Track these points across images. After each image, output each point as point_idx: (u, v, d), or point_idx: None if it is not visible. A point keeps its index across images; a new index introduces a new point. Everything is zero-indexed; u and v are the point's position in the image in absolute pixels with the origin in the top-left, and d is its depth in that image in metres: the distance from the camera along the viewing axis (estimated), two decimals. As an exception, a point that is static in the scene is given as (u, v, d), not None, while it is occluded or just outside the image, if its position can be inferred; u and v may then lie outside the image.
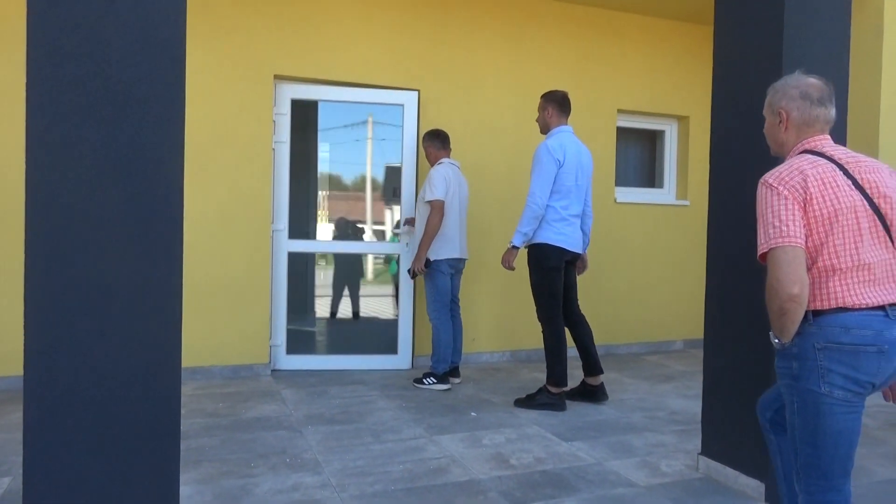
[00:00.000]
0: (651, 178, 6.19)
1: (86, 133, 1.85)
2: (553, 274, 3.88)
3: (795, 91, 2.00)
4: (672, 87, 5.87)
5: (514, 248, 3.88)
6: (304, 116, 5.29)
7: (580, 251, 4.01)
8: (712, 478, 2.86)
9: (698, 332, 6.02)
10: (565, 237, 3.87)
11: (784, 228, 1.81)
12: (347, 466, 2.91)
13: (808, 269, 1.86)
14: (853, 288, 1.83)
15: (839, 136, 2.71)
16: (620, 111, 5.75)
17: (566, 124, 4.01)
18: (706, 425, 2.92)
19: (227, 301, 4.54)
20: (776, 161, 2.58)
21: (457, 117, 5.10)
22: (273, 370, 4.74)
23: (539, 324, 4.31)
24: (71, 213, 1.83)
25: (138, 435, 1.89)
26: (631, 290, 5.76)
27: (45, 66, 1.80)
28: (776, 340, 1.90)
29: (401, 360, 4.87)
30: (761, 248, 1.85)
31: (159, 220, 1.92)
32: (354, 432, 3.39)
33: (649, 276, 5.83)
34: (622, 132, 5.92)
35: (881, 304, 1.82)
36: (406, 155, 4.88)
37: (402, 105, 4.84)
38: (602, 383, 4.07)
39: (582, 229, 4.10)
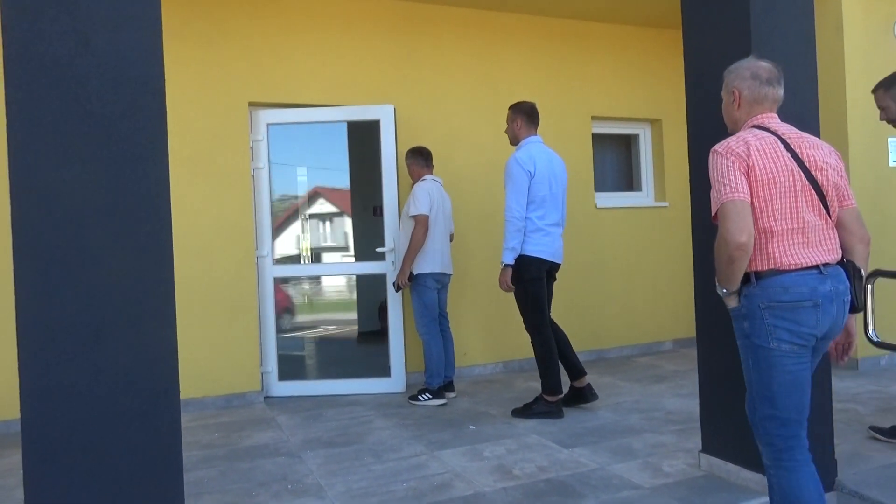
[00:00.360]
0: (629, 181, 6.27)
1: (68, 172, 1.83)
2: (535, 284, 3.90)
3: (747, 72, 2.22)
4: (643, 91, 5.96)
5: (508, 266, 3.87)
6: (282, 141, 5.29)
7: (559, 261, 4.03)
8: (715, 474, 2.88)
9: (687, 331, 6.08)
10: (543, 248, 3.89)
11: (732, 186, 2.04)
12: (351, 488, 2.89)
13: (756, 232, 2.05)
14: (789, 249, 2.04)
15: (812, 129, 2.77)
16: (594, 118, 5.82)
17: (535, 135, 4.04)
18: (705, 423, 2.94)
19: (215, 331, 4.50)
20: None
21: (431, 132, 5.14)
22: (266, 397, 4.70)
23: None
24: (58, 253, 1.81)
25: (140, 474, 1.87)
26: (617, 294, 5.80)
27: (24, 107, 1.79)
28: (723, 291, 2.12)
29: (394, 383, 4.81)
30: (714, 208, 2.06)
31: (147, 256, 1.90)
32: (354, 454, 3.37)
33: (635, 279, 5.88)
34: (598, 138, 6.00)
35: (815, 263, 2.03)
36: (386, 170, 4.84)
37: (379, 120, 4.76)
38: (589, 384, 4.08)
39: None
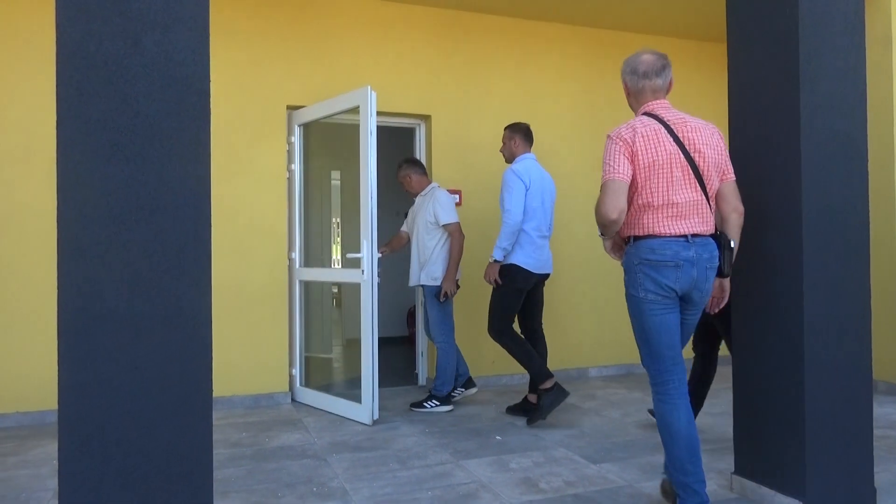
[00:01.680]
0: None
1: (113, 169, 1.86)
2: (515, 295, 4.05)
3: (628, 67, 2.61)
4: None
5: (496, 261, 4.01)
6: (316, 142, 5.34)
7: (549, 271, 4.17)
8: (748, 497, 2.81)
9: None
10: (535, 261, 4.04)
11: (614, 167, 2.44)
12: (376, 494, 2.88)
13: (631, 204, 2.50)
14: (661, 221, 2.46)
15: (860, 146, 2.69)
16: (631, 129, 5.75)
17: (530, 152, 4.22)
18: (739, 443, 2.87)
19: (245, 331, 4.55)
20: (795, 171, 2.59)
21: (467, 139, 5.13)
22: (293, 400, 4.72)
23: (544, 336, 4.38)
24: (101, 248, 1.84)
25: (171, 469, 1.88)
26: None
27: (75, 103, 1.83)
28: (601, 235, 2.56)
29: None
30: (604, 179, 2.47)
31: (187, 254, 1.92)
32: (380, 459, 3.36)
33: (667, 293, 5.78)
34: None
35: (683, 233, 2.45)
36: (365, 160, 4.54)
37: (358, 105, 4.16)
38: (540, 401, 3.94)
39: None
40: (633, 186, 2.48)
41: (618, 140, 2.46)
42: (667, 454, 2.50)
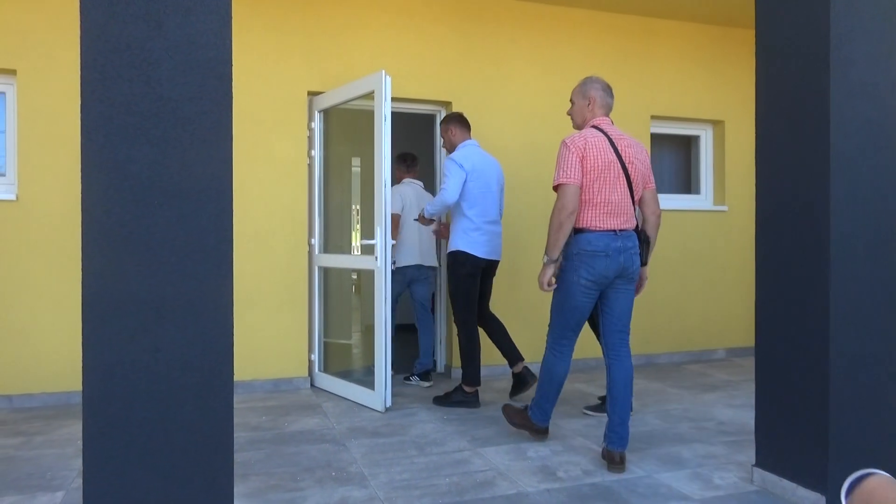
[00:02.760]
0: (687, 184, 6.10)
1: (137, 153, 1.87)
2: (468, 281, 4.08)
3: (599, 84, 3.22)
4: (706, 91, 5.79)
5: (429, 218, 4.26)
6: (337, 129, 5.33)
7: (496, 258, 4.19)
8: (768, 490, 2.78)
9: (740, 339, 5.90)
10: (479, 245, 4.07)
11: (569, 172, 3.01)
12: (394, 479, 2.89)
13: (580, 202, 3.03)
14: (597, 217, 3.03)
15: (889, 133, 2.63)
16: (654, 117, 5.68)
17: (470, 139, 4.24)
18: (760, 436, 2.84)
19: (266, 316, 4.58)
20: (824, 160, 2.53)
21: (489, 126, 5.10)
22: (312, 385, 4.76)
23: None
24: (124, 231, 1.85)
25: (193, 450, 1.90)
26: (670, 299, 5.66)
27: (98, 87, 1.84)
28: (546, 259, 3.06)
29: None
30: (555, 182, 3.04)
31: (210, 238, 1.93)
32: (398, 445, 3.37)
33: (688, 284, 5.73)
34: (656, 138, 5.86)
35: (613, 228, 3.03)
36: (379, 144, 4.27)
37: (373, 91, 4.14)
38: (525, 367, 4.24)
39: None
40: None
41: (573, 147, 3.03)
42: (540, 390, 3.26)
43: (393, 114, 4.79)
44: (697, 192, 6.01)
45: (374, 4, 4.83)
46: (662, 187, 5.95)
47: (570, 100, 3.30)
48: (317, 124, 4.73)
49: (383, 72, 3.98)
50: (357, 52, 4.79)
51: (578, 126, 3.29)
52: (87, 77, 1.83)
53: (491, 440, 3.46)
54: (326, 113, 4.80)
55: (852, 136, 2.57)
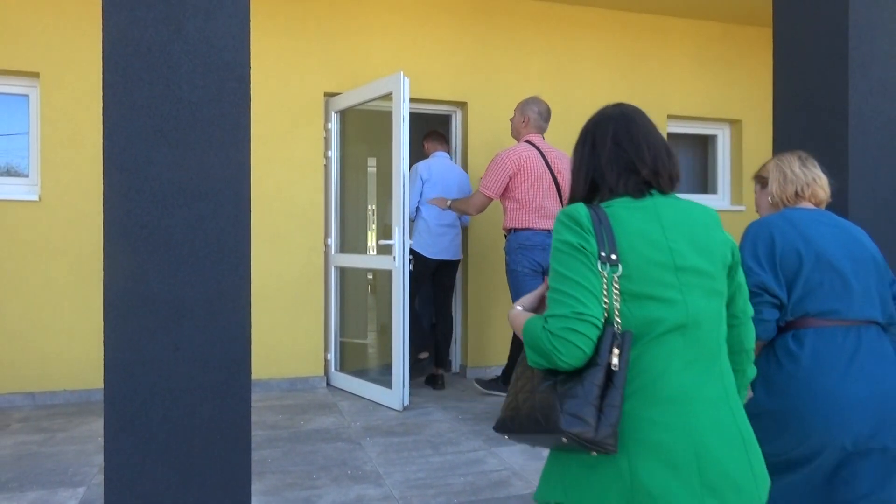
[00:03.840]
0: (704, 183, 6.07)
1: (157, 154, 1.90)
2: (418, 277, 4.46)
3: (536, 107, 3.93)
4: (723, 90, 5.75)
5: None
6: (353, 131, 5.36)
7: (450, 257, 4.52)
8: (785, 492, 2.76)
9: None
10: (430, 246, 4.46)
11: (493, 185, 3.84)
12: (409, 478, 2.91)
13: (515, 205, 3.82)
14: (533, 219, 3.78)
15: (912, 134, 2.60)
16: (670, 116, 5.66)
17: (441, 151, 4.70)
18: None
19: (283, 315, 4.62)
20: (842, 159, 2.51)
21: (504, 125, 5.10)
22: (328, 384, 4.79)
23: None
24: (145, 232, 1.88)
25: (211, 447, 1.93)
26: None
27: (120, 90, 1.87)
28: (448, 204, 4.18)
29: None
30: (479, 188, 3.89)
31: (228, 238, 1.96)
32: (413, 444, 3.39)
33: (705, 284, 5.69)
34: (673, 138, 5.83)
35: (548, 228, 3.78)
36: (397, 146, 4.25)
37: (391, 92, 4.17)
38: (442, 375, 4.61)
39: None
40: (515, 194, 3.81)
41: (508, 163, 3.77)
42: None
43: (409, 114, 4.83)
44: (714, 191, 5.97)
45: (389, 6, 4.85)
46: (680, 187, 5.91)
47: (514, 111, 3.99)
48: (333, 125, 4.76)
49: (401, 73, 4.00)
50: (373, 54, 4.82)
51: (514, 137, 4.04)
52: (109, 80, 1.86)
53: (506, 440, 3.47)
54: (343, 114, 4.83)
55: (872, 134, 2.54)
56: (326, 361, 4.81)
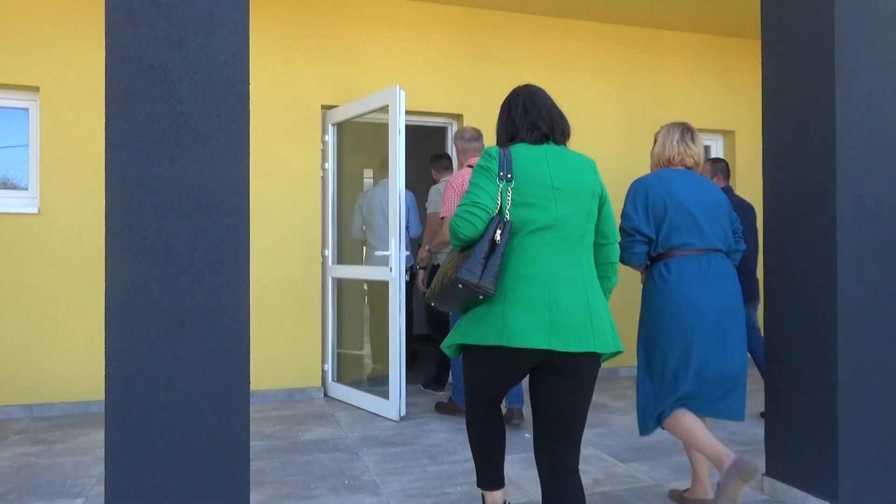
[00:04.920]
0: (698, 193, 6.12)
1: (158, 168, 1.94)
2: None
3: (460, 138, 4.11)
4: (716, 102, 5.82)
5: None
6: (349, 142, 5.41)
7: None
8: (779, 499, 2.79)
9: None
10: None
11: (449, 206, 3.87)
12: (406, 488, 2.93)
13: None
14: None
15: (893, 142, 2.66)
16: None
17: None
18: (770, 445, 2.85)
19: (280, 326, 4.64)
20: (830, 170, 2.56)
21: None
22: (325, 395, 4.81)
23: None
24: (146, 244, 1.92)
25: (211, 457, 1.96)
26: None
27: (122, 105, 1.91)
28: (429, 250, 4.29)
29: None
30: (441, 213, 3.97)
31: (227, 250, 1.99)
32: (410, 454, 3.41)
33: (700, 293, 5.73)
34: (667, 149, 5.88)
35: None
36: (394, 158, 4.30)
37: (387, 105, 4.23)
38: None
39: None
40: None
41: (457, 188, 3.86)
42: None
43: (405, 126, 4.90)
44: (708, 202, 6.02)
45: (386, 20, 4.92)
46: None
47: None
48: (330, 137, 4.81)
49: (398, 86, 4.06)
50: (370, 66, 4.88)
51: (460, 164, 4.22)
52: (112, 96, 1.90)
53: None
54: (340, 126, 4.88)
55: (859, 146, 2.60)
56: (324, 372, 4.83)
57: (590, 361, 1.94)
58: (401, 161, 4.08)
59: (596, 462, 3.28)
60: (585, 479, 3.03)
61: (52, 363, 4.25)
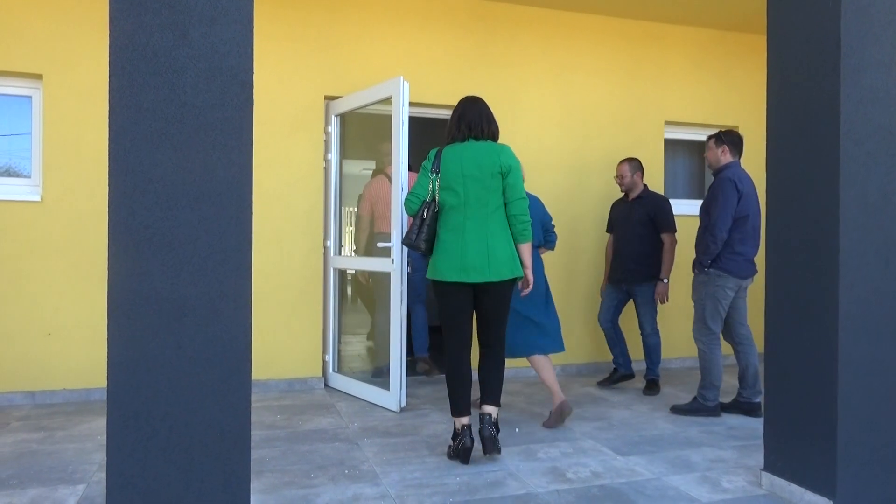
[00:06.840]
0: (701, 189, 6.11)
1: (161, 157, 1.95)
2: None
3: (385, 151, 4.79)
4: (720, 96, 5.80)
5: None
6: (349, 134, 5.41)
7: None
8: (777, 495, 2.80)
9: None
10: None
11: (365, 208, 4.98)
12: (405, 478, 2.94)
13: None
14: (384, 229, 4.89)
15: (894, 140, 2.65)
16: (668, 122, 5.70)
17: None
18: (769, 440, 2.86)
19: (282, 316, 4.65)
20: (834, 166, 2.55)
21: (502, 131, 5.15)
22: (326, 385, 4.82)
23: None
24: (148, 233, 1.92)
25: (212, 445, 1.97)
26: (682, 304, 5.67)
27: (126, 94, 1.91)
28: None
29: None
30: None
31: (230, 239, 2.00)
32: (410, 445, 3.43)
33: (701, 289, 5.72)
34: (670, 143, 5.88)
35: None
36: (397, 149, 4.33)
37: (391, 96, 4.24)
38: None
39: None
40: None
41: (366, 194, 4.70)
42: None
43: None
44: (711, 197, 6.01)
45: (390, 11, 4.90)
46: (677, 192, 5.97)
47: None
48: (333, 128, 4.81)
49: (401, 78, 4.05)
50: (373, 58, 4.86)
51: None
52: (115, 84, 1.90)
53: (502, 441, 3.51)
54: (343, 117, 4.88)
55: (863, 142, 2.59)
56: (324, 362, 4.85)
57: (494, 286, 3.11)
58: (404, 152, 4.08)
59: (595, 455, 3.29)
60: (584, 472, 3.05)
61: (54, 350, 4.27)
